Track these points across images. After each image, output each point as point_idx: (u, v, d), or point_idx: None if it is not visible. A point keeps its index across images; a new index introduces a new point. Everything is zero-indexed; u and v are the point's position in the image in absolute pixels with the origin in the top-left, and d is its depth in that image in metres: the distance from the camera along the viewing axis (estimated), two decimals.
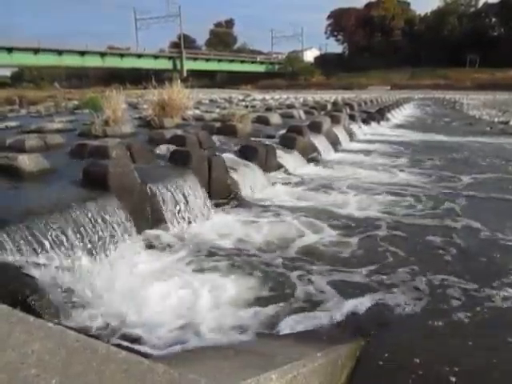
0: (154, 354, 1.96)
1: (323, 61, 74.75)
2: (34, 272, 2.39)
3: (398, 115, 17.24)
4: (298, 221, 4.03)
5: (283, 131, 7.52)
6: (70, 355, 1.10)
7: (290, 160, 6.44)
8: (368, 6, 72.67)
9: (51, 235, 2.66)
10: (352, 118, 11.31)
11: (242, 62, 75.25)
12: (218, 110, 11.87)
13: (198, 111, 11.45)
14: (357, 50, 71.40)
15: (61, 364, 1.07)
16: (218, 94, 29.03)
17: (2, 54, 46.93)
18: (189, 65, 66.42)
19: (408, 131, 11.99)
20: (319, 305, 2.51)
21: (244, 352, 1.81)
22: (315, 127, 8.16)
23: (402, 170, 6.46)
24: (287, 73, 70.67)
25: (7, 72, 77.46)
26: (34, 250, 2.53)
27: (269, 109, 13.10)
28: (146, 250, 3.27)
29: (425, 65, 60.88)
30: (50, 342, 1.14)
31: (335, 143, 8.62)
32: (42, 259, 2.52)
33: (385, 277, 2.87)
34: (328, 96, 27.55)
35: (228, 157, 5.21)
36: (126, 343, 2.06)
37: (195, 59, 69.33)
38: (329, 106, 13.77)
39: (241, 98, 24.02)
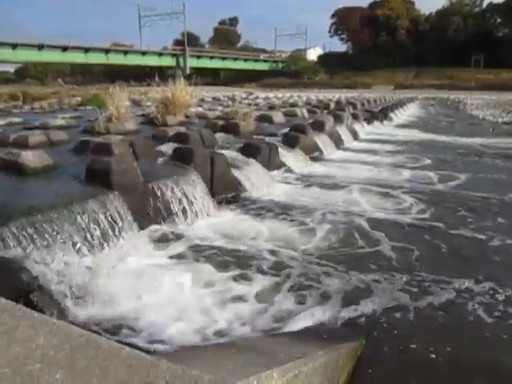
0: (155, 350, 1.98)
1: (327, 60, 74.54)
2: (37, 267, 2.41)
3: (401, 115, 17.18)
4: (298, 219, 4.04)
5: (286, 130, 7.52)
6: (74, 350, 1.11)
7: (293, 158, 6.44)
8: (372, 5, 72.39)
9: (54, 231, 2.68)
10: (355, 117, 11.29)
11: (246, 60, 75.17)
12: (220, 108, 11.88)
13: (200, 109, 11.47)
14: (361, 49, 71.14)
15: (65, 359, 1.08)
16: (221, 92, 29.01)
17: (6, 49, 47.01)
18: (192, 62, 66.44)
19: (411, 131, 11.96)
20: (317, 303, 2.52)
21: (245, 350, 1.82)
22: (318, 126, 8.16)
23: (404, 170, 6.45)
24: (291, 71, 70.50)
25: (11, 68, 77.66)
26: (37, 245, 2.54)
27: (272, 107, 13.10)
28: (148, 247, 3.29)
29: (429, 65, 60.63)
30: (55, 338, 1.15)
31: (338, 142, 8.61)
32: (44, 255, 2.54)
33: (383, 275, 2.87)
34: (331, 95, 27.48)
35: (231, 155, 5.22)
36: (128, 340, 2.08)
37: (199, 57, 69.34)
38: (332, 105, 13.76)
39: (244, 96, 24.00)
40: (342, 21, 75.63)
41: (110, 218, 3.12)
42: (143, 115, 9.28)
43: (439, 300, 2.56)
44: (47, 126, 6.81)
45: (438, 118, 17.39)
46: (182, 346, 2.06)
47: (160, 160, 4.72)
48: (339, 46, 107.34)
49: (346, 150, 8.46)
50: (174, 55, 67.45)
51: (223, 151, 5.17)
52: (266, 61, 79.04)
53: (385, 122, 13.54)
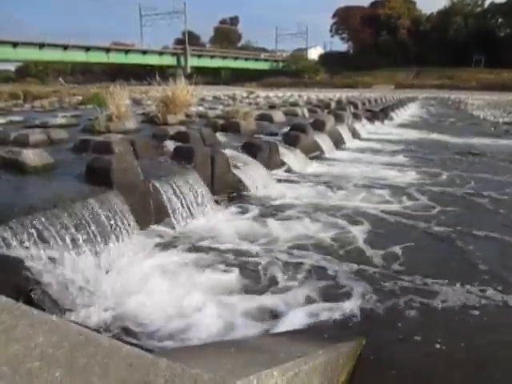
0: (154, 349, 1.97)
1: (327, 59, 74.50)
2: (37, 266, 2.41)
3: (401, 114, 17.17)
4: (299, 219, 4.03)
5: (286, 129, 7.51)
6: (73, 348, 1.10)
7: (293, 158, 6.43)
8: (374, 4, 72.35)
9: (54, 230, 2.67)
10: (356, 116, 11.28)
11: (247, 59, 75.19)
12: (221, 107, 11.87)
13: (201, 108, 11.47)
14: (362, 49, 71.07)
15: (64, 357, 1.07)
16: (222, 91, 29.02)
17: (6, 48, 47.01)
18: (193, 62, 66.45)
19: (412, 131, 11.95)
20: (316, 301, 2.51)
21: (245, 348, 1.81)
22: (319, 125, 8.15)
23: (404, 169, 6.44)
24: (291, 71, 70.44)
25: (12, 67, 77.64)
26: (37, 243, 2.54)
27: (272, 106, 13.09)
28: (148, 246, 3.28)
29: (430, 64, 60.57)
30: (54, 336, 1.15)
31: (338, 141, 8.60)
32: (44, 253, 2.53)
33: (384, 273, 2.87)
34: (332, 94, 27.45)
35: (231, 154, 5.21)
36: (128, 338, 2.08)
37: (200, 56, 69.35)
38: (332, 105, 13.75)
39: (244, 95, 24.00)
40: (343, 20, 75.58)
41: (109, 217, 3.11)
42: (144, 114, 9.28)
43: (440, 300, 2.56)
44: (47, 125, 6.81)
45: (439, 118, 17.36)
46: (181, 344, 2.06)
47: (160, 159, 4.71)
48: (340, 45, 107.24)
49: (346, 149, 8.45)
50: (174, 54, 67.47)
51: (224, 150, 5.16)
52: (266, 60, 79.02)
53: (386, 122, 13.54)
